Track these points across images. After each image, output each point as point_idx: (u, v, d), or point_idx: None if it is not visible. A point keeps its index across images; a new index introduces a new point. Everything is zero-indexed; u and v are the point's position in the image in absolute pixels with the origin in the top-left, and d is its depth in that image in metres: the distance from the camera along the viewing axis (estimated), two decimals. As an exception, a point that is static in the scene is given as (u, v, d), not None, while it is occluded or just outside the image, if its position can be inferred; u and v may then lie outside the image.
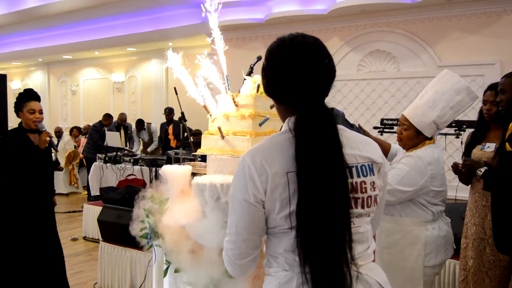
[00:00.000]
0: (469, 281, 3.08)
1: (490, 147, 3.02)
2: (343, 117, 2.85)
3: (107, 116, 9.53)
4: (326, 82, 1.41)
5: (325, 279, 1.29)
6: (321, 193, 1.29)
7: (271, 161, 1.34)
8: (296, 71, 1.37)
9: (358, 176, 1.41)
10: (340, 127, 1.42)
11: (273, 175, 1.33)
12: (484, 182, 2.63)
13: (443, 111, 2.69)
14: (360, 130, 3.08)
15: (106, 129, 9.30)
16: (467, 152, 3.17)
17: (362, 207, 1.42)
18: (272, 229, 1.41)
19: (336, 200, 1.31)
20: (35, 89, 3.97)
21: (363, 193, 1.41)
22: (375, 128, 6.25)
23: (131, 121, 10.56)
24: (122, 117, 9.72)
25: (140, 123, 9.88)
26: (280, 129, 1.48)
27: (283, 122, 1.48)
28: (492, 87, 3.08)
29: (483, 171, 2.59)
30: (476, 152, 3.10)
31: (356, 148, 1.44)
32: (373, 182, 1.43)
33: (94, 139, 9.10)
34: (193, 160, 5.52)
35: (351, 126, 3.01)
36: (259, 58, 3.13)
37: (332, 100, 6.51)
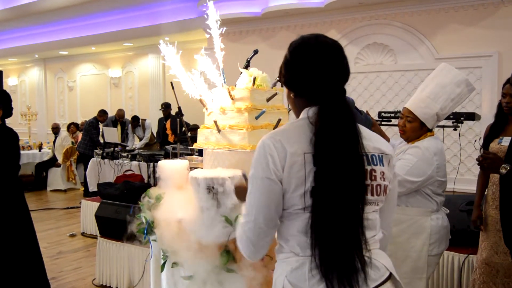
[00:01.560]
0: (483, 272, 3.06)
1: (506, 141, 2.91)
2: (353, 104, 2.94)
3: (102, 112, 9.52)
4: (344, 79, 1.57)
5: (336, 261, 1.36)
6: (336, 176, 1.38)
7: (289, 141, 1.44)
8: (321, 68, 1.49)
9: (369, 164, 1.48)
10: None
11: (291, 154, 1.41)
12: (506, 180, 2.54)
13: (445, 103, 2.74)
14: (367, 116, 3.33)
15: (101, 125, 9.30)
16: (485, 146, 3.08)
17: (372, 194, 1.49)
18: (286, 210, 1.46)
19: (351, 184, 1.39)
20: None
21: (372, 181, 1.49)
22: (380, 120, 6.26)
23: (128, 116, 10.55)
24: (120, 113, 9.70)
25: (135, 119, 9.86)
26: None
27: (298, 114, 1.58)
28: (511, 81, 3.04)
29: (508, 168, 2.46)
30: (494, 146, 3.00)
31: (369, 139, 1.52)
32: (383, 172, 1.51)
33: (92, 135, 9.10)
34: (191, 154, 5.52)
35: (359, 113, 3.22)
36: (255, 52, 3.12)
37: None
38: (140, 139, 9.89)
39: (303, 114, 1.53)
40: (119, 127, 9.64)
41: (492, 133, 3.10)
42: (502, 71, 6.46)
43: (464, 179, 6.31)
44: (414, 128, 2.78)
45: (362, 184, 1.43)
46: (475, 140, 3.21)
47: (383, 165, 1.52)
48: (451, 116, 5.15)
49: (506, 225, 2.61)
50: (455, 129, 4.70)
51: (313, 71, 1.50)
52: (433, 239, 2.70)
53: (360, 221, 1.40)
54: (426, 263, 2.71)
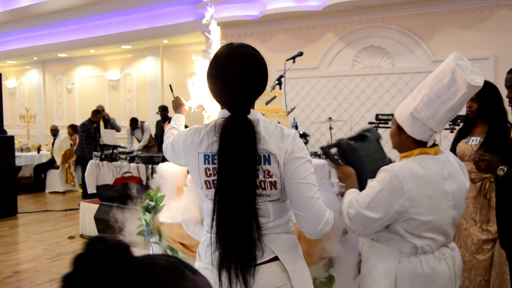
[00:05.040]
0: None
1: (474, 141, 3.22)
2: (378, 137, 2.51)
3: (95, 112, 9.56)
4: (244, 89, 1.71)
5: (227, 239, 1.60)
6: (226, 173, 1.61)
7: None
8: (217, 78, 1.74)
9: (259, 164, 1.65)
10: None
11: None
12: (501, 182, 2.57)
13: (425, 100, 2.00)
14: (391, 161, 2.57)
15: (95, 125, 9.37)
16: (453, 147, 3.37)
17: (262, 188, 1.67)
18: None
19: (241, 180, 1.60)
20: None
21: (259, 177, 1.66)
22: (370, 123, 6.29)
23: (126, 118, 10.56)
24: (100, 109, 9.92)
25: (134, 121, 9.88)
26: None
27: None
28: None
29: (505, 169, 2.49)
30: (461, 145, 3.31)
31: (262, 142, 1.66)
32: (268, 170, 1.65)
33: (90, 135, 9.15)
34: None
35: (383, 155, 2.51)
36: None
37: (328, 96, 6.61)
38: (139, 141, 9.91)
39: (216, 116, 1.76)
40: (101, 123, 9.75)
41: (460, 135, 3.42)
42: (498, 73, 6.51)
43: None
44: (392, 133, 2.16)
45: (252, 180, 1.62)
46: (477, 141, 3.28)
47: (269, 164, 1.65)
48: (448, 119, 5.21)
49: (501, 227, 2.65)
50: (451, 131, 4.75)
51: (212, 80, 1.72)
52: (403, 287, 2.00)
53: (251, 210, 1.61)
54: None
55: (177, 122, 2.29)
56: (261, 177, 1.64)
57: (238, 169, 1.59)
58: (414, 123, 2.03)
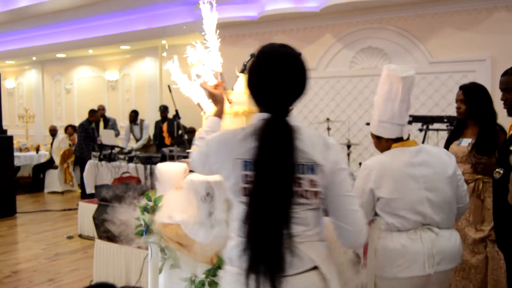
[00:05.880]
0: (455, 270, 3.24)
1: (465, 142, 3.27)
2: None
3: (92, 112, 9.57)
4: (292, 91, 1.69)
5: (261, 246, 1.55)
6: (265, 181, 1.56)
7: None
8: (266, 81, 1.68)
9: (298, 173, 1.60)
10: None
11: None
12: (498, 184, 2.60)
13: (381, 108, 2.42)
14: None
15: (93, 125, 9.38)
16: (446, 147, 3.40)
17: (303, 197, 1.62)
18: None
19: (278, 188, 1.56)
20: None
21: (299, 187, 1.61)
22: (368, 124, 6.31)
23: (125, 119, 10.56)
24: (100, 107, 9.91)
25: (135, 113, 9.87)
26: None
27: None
28: (461, 88, 3.36)
29: (501, 172, 2.53)
30: (454, 147, 3.36)
31: (304, 150, 1.62)
32: (311, 180, 1.62)
33: (88, 135, 9.16)
34: (188, 157, 5.55)
35: None
36: (252, 56, 3.17)
37: (326, 97, 6.63)
38: (137, 139, 9.89)
39: (253, 119, 1.70)
40: (101, 123, 9.74)
41: (452, 136, 3.46)
42: (495, 75, 6.53)
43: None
44: (376, 144, 2.56)
45: (289, 189, 1.58)
46: (468, 143, 3.30)
47: (314, 174, 1.62)
48: (445, 120, 5.24)
49: (498, 228, 2.67)
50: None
51: (255, 79, 1.68)
52: (380, 259, 2.34)
53: (285, 218, 1.56)
54: (372, 281, 2.39)
55: (209, 129, 2.13)
56: (304, 186, 1.61)
57: (277, 174, 1.55)
58: (384, 127, 2.43)
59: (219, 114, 2.21)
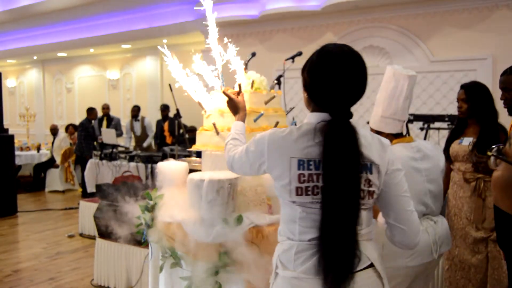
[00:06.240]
0: (455, 269, 3.24)
1: (466, 141, 3.27)
2: None
3: (90, 110, 9.56)
4: (356, 92, 1.74)
5: (335, 249, 1.54)
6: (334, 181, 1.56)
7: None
8: (335, 81, 1.66)
9: (360, 172, 1.61)
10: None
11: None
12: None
13: (385, 103, 2.56)
14: None
15: (92, 124, 9.37)
16: (446, 147, 3.42)
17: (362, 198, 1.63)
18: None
19: (346, 187, 1.56)
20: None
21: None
22: (368, 122, 6.30)
23: (126, 118, 10.54)
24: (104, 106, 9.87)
25: (136, 108, 9.83)
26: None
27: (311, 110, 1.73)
28: (463, 87, 3.36)
29: (494, 148, 2.50)
30: (455, 146, 3.35)
31: (365, 149, 1.63)
32: (369, 180, 1.63)
33: (89, 134, 9.16)
34: (189, 156, 5.56)
35: None
36: (253, 55, 3.17)
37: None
38: (137, 136, 9.85)
39: (308, 119, 1.68)
40: (105, 122, 9.73)
41: (453, 135, 3.46)
42: (496, 74, 6.52)
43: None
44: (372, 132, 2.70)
45: (357, 187, 1.58)
46: (469, 142, 3.29)
47: (370, 173, 1.63)
48: (446, 118, 5.24)
49: (499, 227, 2.67)
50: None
51: (326, 83, 1.62)
52: (387, 251, 2.37)
53: (356, 217, 1.57)
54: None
55: (239, 132, 2.13)
56: (362, 186, 1.61)
57: (345, 176, 1.55)
58: (386, 122, 2.54)
59: (244, 119, 2.24)
